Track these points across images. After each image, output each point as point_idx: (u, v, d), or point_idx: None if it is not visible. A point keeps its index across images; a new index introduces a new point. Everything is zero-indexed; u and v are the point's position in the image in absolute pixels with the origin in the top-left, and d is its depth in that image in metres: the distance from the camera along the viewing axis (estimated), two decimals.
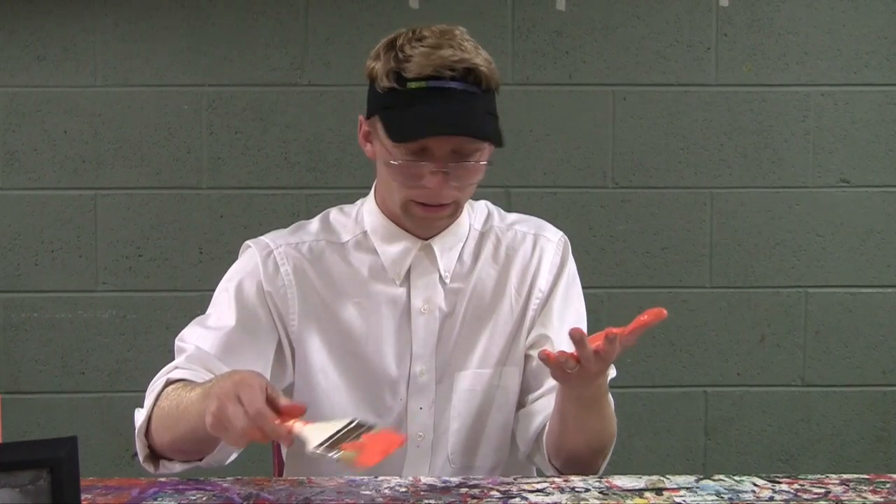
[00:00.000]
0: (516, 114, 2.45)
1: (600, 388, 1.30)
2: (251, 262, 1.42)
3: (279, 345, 1.41)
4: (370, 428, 1.12)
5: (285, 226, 1.49)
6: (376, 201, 1.43)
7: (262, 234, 1.46)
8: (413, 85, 1.29)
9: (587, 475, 1.34)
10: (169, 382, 1.31)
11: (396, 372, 1.42)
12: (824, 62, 2.48)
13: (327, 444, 1.08)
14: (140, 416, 1.32)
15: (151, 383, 1.35)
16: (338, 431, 1.10)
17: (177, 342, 1.39)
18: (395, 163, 1.32)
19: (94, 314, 2.46)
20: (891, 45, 2.48)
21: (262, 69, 2.44)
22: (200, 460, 1.30)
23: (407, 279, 1.41)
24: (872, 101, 2.49)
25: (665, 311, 1.16)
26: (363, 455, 1.07)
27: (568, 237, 1.52)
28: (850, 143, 2.49)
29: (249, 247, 1.44)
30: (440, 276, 1.42)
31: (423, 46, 1.29)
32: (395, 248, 1.41)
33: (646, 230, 2.49)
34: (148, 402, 1.32)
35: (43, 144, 2.44)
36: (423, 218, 1.37)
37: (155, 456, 1.32)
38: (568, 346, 1.20)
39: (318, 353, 1.41)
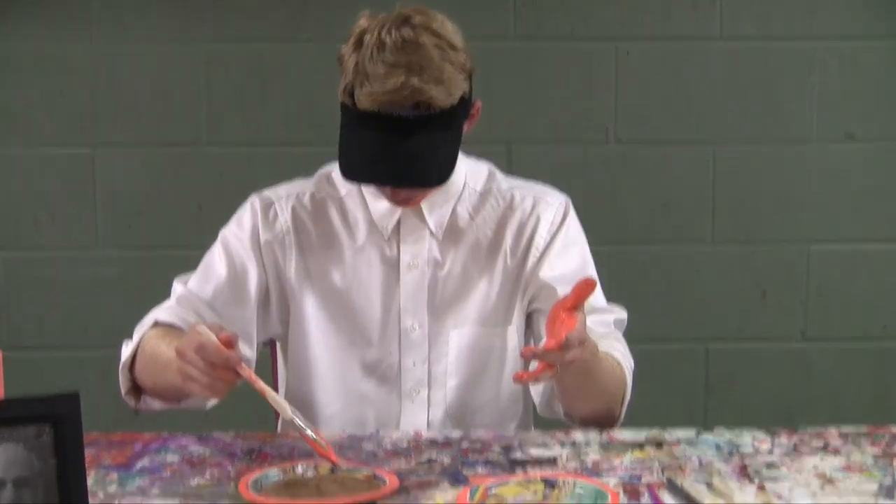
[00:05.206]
0: (518, 69, 2.42)
1: (588, 357, 1.23)
2: (250, 210, 1.45)
3: (266, 295, 1.43)
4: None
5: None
6: None
7: (264, 190, 1.49)
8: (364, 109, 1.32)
9: (610, 426, 1.35)
10: (157, 323, 1.38)
11: (386, 326, 1.43)
12: (830, 15, 2.44)
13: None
14: (126, 351, 1.39)
15: (141, 322, 1.42)
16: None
17: (174, 283, 1.46)
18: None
19: (94, 272, 2.46)
20: None
21: (261, 25, 2.41)
22: (179, 403, 1.36)
23: (397, 234, 1.42)
24: (878, 55, 2.45)
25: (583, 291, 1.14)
26: (327, 450, 1.14)
27: (568, 193, 1.51)
28: (855, 98, 2.46)
29: (252, 197, 1.47)
30: (431, 231, 1.42)
31: (383, 65, 1.29)
32: (383, 204, 1.42)
33: (647, 186, 2.47)
34: (135, 337, 1.40)
35: (39, 103, 2.42)
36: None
37: (137, 389, 1.40)
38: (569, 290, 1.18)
39: (311, 306, 1.43)
